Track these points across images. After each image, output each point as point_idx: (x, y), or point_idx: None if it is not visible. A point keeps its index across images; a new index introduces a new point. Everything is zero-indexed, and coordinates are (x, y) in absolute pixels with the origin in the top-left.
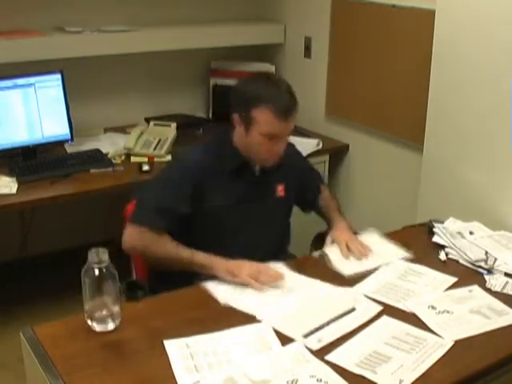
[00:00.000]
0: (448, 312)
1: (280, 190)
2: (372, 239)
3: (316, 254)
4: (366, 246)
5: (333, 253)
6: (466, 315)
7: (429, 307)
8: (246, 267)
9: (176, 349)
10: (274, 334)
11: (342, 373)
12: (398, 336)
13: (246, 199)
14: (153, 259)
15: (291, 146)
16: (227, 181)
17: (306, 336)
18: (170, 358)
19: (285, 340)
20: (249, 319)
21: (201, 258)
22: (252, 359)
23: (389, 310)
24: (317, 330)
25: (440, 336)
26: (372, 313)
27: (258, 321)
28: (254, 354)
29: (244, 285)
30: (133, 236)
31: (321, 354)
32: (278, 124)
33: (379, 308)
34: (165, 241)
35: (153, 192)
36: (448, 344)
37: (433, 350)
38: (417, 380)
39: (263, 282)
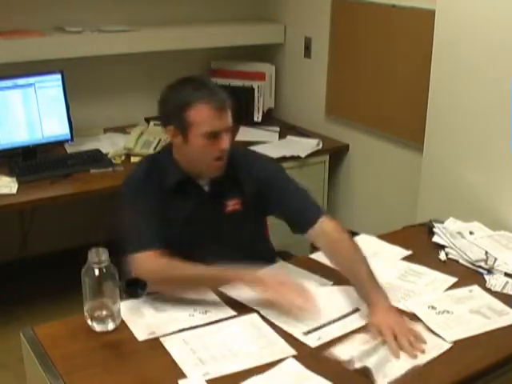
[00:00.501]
0: (448, 312)
1: (233, 203)
2: (370, 241)
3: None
4: (418, 334)
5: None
6: (466, 315)
7: (429, 307)
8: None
9: (175, 345)
10: (264, 322)
11: (340, 369)
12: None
13: (193, 218)
14: (171, 282)
15: (252, 156)
16: (170, 199)
17: (306, 333)
18: (173, 355)
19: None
20: (240, 311)
21: (217, 272)
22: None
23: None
24: (318, 328)
25: (440, 336)
26: None
27: (249, 312)
28: (251, 342)
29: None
30: (147, 262)
31: (320, 350)
32: (217, 120)
33: None
34: (175, 262)
35: (136, 223)
36: (447, 345)
37: (432, 351)
38: (417, 380)
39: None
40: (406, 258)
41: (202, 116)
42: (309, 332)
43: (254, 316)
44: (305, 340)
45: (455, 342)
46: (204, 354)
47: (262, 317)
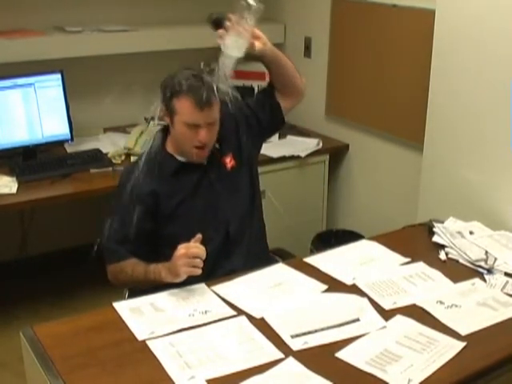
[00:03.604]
0: (456, 306)
1: (228, 161)
2: (372, 246)
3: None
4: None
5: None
6: (474, 308)
7: (437, 302)
8: (178, 261)
9: (161, 349)
10: (252, 325)
11: (351, 370)
12: (410, 336)
13: (201, 187)
14: (127, 283)
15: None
16: (173, 182)
17: (293, 337)
18: (159, 359)
19: (270, 335)
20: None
21: (151, 272)
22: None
23: (403, 310)
24: (308, 333)
25: (453, 330)
26: (374, 327)
27: (235, 315)
28: (238, 345)
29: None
30: (109, 275)
31: (331, 350)
32: (198, 114)
33: (383, 323)
34: (124, 268)
35: (110, 227)
36: (459, 345)
37: (444, 351)
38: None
39: (197, 253)
40: (405, 264)
41: (183, 107)
42: (297, 335)
43: (239, 319)
44: (289, 342)
45: (469, 339)
46: (191, 357)
47: (250, 319)
